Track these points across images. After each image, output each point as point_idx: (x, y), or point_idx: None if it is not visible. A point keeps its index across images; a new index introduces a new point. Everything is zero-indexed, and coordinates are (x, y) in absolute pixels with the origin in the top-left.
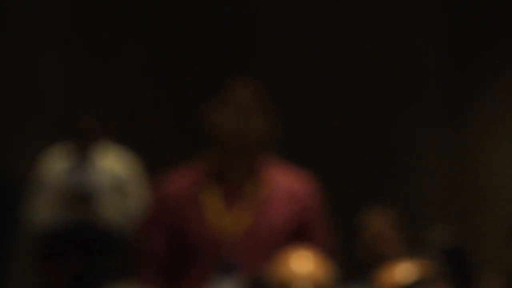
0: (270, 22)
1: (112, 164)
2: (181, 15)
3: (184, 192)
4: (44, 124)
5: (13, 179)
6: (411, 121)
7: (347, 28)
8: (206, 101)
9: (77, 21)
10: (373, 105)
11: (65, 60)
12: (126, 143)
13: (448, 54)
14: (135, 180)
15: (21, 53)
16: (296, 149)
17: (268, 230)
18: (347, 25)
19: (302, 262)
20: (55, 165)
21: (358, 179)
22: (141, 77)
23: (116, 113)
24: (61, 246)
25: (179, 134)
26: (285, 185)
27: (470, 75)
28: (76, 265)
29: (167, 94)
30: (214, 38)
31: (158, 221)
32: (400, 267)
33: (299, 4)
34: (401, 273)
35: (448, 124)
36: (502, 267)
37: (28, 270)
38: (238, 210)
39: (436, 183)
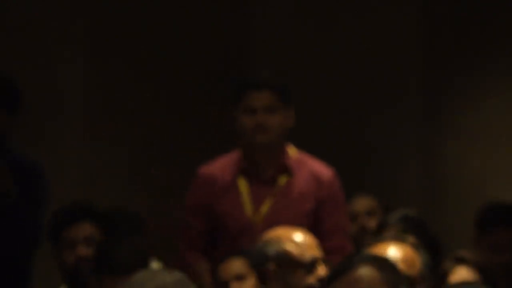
0: (270, 22)
1: None
2: (180, 15)
3: (218, 181)
4: (52, 125)
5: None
6: (392, 120)
7: (347, 28)
8: (233, 108)
9: (77, 21)
10: (364, 104)
11: (66, 60)
12: (126, 142)
13: (426, 55)
14: None
15: (21, 53)
16: (296, 146)
17: (287, 215)
18: (347, 25)
19: (299, 234)
20: None
21: (349, 171)
22: (141, 77)
23: (116, 112)
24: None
25: (179, 134)
26: (307, 169)
27: (444, 77)
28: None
29: (167, 94)
30: (213, 38)
31: (198, 203)
32: (385, 244)
33: (299, 4)
34: (387, 250)
35: (423, 124)
36: (471, 259)
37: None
38: (261, 199)
39: (410, 174)
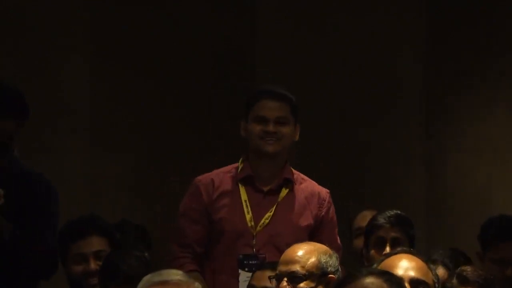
0: (271, 24)
1: None
2: (183, 21)
3: (216, 187)
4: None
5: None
6: (396, 132)
7: (348, 30)
8: (245, 116)
9: (83, 30)
10: (368, 115)
11: (72, 71)
12: (131, 152)
13: (426, 60)
14: None
15: (27, 63)
16: (295, 151)
17: (286, 227)
18: (347, 27)
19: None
20: None
21: (351, 185)
22: (147, 86)
23: (122, 122)
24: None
25: (185, 137)
26: (307, 185)
27: (446, 84)
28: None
29: (174, 102)
30: (215, 42)
31: (194, 209)
32: (394, 258)
33: (300, 6)
34: (396, 264)
35: (427, 137)
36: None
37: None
38: (261, 208)
39: (415, 188)
